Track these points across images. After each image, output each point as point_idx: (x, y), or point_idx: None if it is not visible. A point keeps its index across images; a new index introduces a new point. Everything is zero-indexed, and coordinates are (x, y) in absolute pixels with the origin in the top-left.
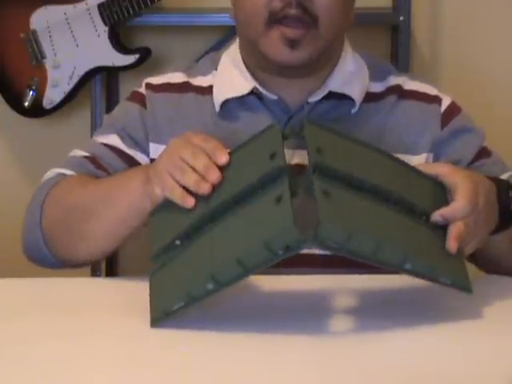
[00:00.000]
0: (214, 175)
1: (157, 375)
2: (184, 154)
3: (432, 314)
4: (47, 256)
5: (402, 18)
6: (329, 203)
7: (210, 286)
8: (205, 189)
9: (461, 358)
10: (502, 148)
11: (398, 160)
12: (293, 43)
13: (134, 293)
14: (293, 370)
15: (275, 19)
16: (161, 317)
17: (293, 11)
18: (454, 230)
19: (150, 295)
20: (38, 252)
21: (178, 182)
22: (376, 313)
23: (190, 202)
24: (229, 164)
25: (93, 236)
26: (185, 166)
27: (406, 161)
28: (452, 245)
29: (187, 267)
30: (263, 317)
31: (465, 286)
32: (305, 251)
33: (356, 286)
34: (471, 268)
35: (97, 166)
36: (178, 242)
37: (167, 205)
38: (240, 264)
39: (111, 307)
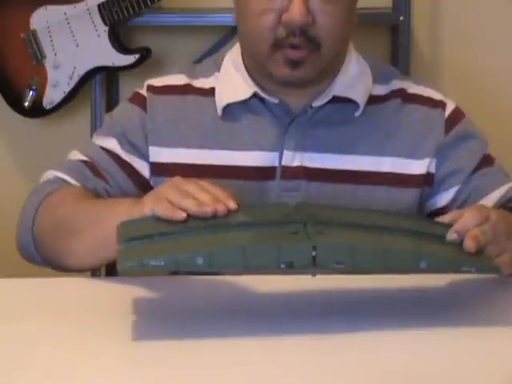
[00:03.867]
0: (221, 206)
1: (157, 375)
2: (189, 187)
3: (432, 314)
4: (38, 259)
5: (401, 18)
6: (324, 236)
7: (200, 261)
8: (207, 210)
9: (461, 358)
10: (501, 148)
11: (403, 216)
12: (295, 64)
13: (133, 293)
14: (291, 370)
15: (280, 45)
16: (133, 265)
17: (296, 40)
18: (468, 234)
19: (120, 247)
20: (29, 254)
21: (173, 205)
22: (375, 313)
23: (179, 214)
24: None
25: (75, 253)
26: (187, 194)
27: (408, 165)
28: (469, 243)
29: (179, 242)
30: (261, 317)
31: (492, 268)
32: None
33: (356, 286)
34: None
35: (94, 173)
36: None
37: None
38: (243, 255)
39: (111, 307)
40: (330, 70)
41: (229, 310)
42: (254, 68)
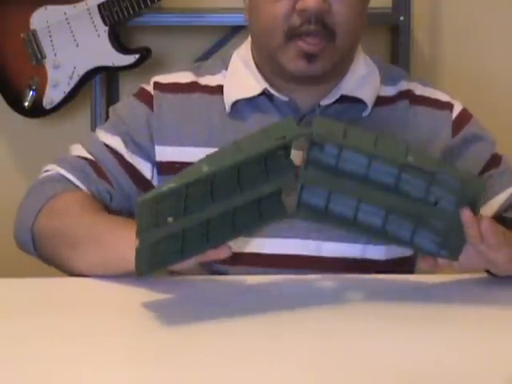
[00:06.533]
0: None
1: (157, 375)
2: None
3: (432, 314)
4: (35, 255)
5: (401, 18)
6: None
7: (205, 168)
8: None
9: (461, 357)
10: (501, 148)
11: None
12: (310, 57)
13: (133, 293)
14: (291, 369)
15: (294, 35)
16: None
17: (312, 27)
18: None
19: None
20: (27, 250)
21: None
22: (376, 313)
23: None
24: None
25: (76, 264)
26: None
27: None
28: (465, 211)
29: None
30: (261, 317)
31: (476, 181)
32: (307, 253)
33: (356, 286)
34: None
35: (98, 174)
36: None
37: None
38: (239, 147)
39: (111, 307)
40: (341, 66)
41: (229, 309)
42: (265, 64)
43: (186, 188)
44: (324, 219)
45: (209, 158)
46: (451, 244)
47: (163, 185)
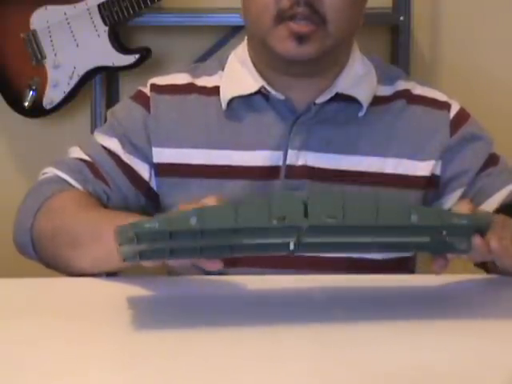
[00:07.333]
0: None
1: (157, 375)
2: None
3: (432, 315)
4: (35, 258)
5: (401, 18)
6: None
7: (193, 221)
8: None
9: (461, 358)
10: (500, 148)
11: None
12: (300, 38)
13: (133, 293)
14: (290, 370)
15: (283, 17)
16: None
17: (300, 9)
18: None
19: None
20: (26, 253)
21: None
22: (375, 313)
23: None
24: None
25: (77, 263)
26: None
27: (412, 167)
28: (476, 238)
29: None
30: (260, 317)
31: (485, 219)
32: (306, 253)
33: (356, 286)
34: (470, 266)
35: (95, 174)
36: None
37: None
38: (234, 212)
39: (111, 307)
40: (335, 59)
41: (229, 309)
42: (260, 56)
43: (170, 232)
44: (327, 251)
45: (201, 212)
46: (461, 242)
47: (145, 221)
